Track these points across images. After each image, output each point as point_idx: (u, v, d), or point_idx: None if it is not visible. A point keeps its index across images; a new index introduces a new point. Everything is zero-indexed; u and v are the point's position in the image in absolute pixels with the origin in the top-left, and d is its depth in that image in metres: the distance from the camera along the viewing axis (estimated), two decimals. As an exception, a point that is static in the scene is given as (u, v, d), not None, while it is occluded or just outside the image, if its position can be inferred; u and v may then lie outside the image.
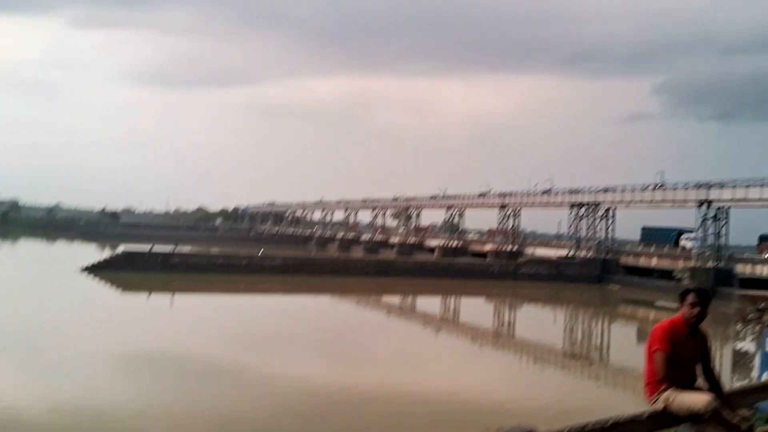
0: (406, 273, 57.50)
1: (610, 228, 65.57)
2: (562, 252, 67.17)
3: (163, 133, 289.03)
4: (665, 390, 4.62)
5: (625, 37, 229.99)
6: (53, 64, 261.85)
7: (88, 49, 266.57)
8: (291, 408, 16.35)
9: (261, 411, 16.03)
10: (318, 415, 15.97)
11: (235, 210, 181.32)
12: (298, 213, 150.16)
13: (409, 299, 49.71)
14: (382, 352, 27.02)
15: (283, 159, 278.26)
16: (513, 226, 77.09)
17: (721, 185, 53.94)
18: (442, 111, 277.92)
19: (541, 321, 42.61)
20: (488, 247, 77.36)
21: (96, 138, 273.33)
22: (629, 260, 61.76)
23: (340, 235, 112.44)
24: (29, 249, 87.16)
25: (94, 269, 47.00)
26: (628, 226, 74.51)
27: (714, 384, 4.78)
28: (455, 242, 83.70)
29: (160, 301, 39.28)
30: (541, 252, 71.27)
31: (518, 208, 76.87)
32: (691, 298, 4.79)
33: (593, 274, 60.66)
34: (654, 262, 59.02)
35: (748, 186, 51.67)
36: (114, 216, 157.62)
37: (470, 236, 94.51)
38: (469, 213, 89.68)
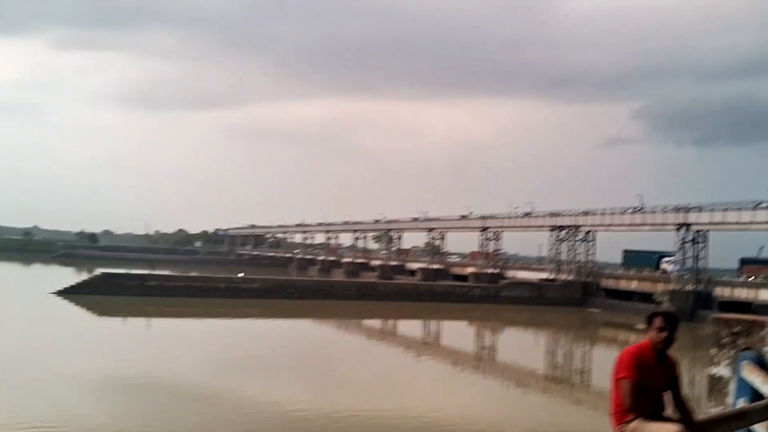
0: (387, 296, 57.16)
1: (591, 251, 65.92)
2: (543, 275, 67.29)
3: (144, 155, 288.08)
4: (632, 420, 4.39)
5: (604, 63, 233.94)
6: (34, 85, 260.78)
7: (69, 70, 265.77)
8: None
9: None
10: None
11: (216, 232, 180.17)
12: (279, 235, 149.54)
13: (390, 323, 49.33)
14: (362, 376, 26.64)
15: (265, 181, 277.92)
16: (494, 248, 77.29)
17: (699, 209, 54.50)
18: (423, 134, 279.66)
19: (522, 344, 42.46)
20: (470, 269, 77.37)
21: (76, 160, 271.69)
22: (609, 283, 61.98)
23: (321, 257, 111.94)
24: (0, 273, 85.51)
25: (67, 293, 46.11)
26: (608, 249, 74.86)
27: (684, 413, 4.48)
28: (437, 265, 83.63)
29: (136, 325, 38.58)
30: (523, 275, 71.35)
31: (499, 231, 77.11)
32: (658, 321, 4.54)
33: (574, 297, 60.78)
34: (634, 285, 59.27)
35: (725, 209, 52.23)
36: (92, 238, 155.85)
37: (452, 259, 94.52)
38: (450, 235, 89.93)
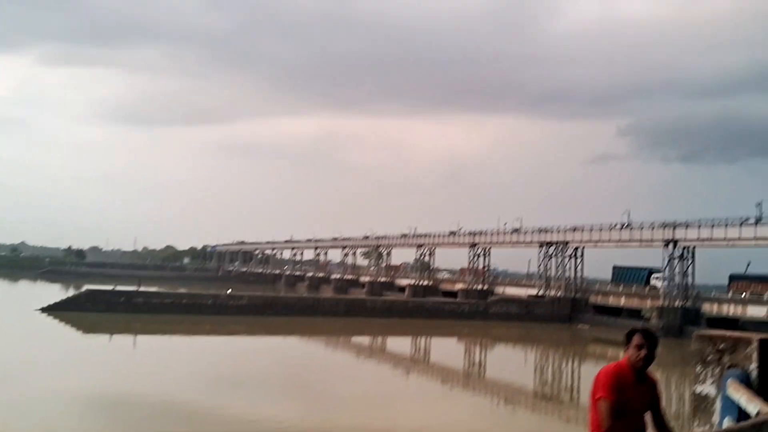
0: (376, 313, 56.91)
1: (579, 267, 66.07)
2: (533, 291, 67.30)
3: (132, 171, 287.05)
4: None
5: (591, 80, 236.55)
6: (22, 101, 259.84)
7: (58, 86, 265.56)
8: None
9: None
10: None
11: (204, 249, 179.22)
12: (268, 252, 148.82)
13: (379, 340, 49.06)
14: (351, 394, 26.40)
15: (254, 197, 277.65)
16: (484, 264, 77.29)
17: (687, 225, 54.82)
18: (412, 150, 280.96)
19: (511, 361, 42.32)
20: (459, 285, 77.23)
21: (64, 176, 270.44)
22: (598, 299, 62.07)
23: (309, 274, 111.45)
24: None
25: (53, 309, 45.59)
26: (596, 265, 75.09)
27: None
28: (426, 281, 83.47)
29: (122, 342, 38.13)
30: (512, 291, 71.35)
31: (488, 247, 77.15)
32: (636, 339, 4.35)
33: (563, 313, 60.77)
34: (623, 301, 59.39)
35: (713, 226, 52.56)
36: (80, 254, 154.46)
37: (441, 275, 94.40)
38: (439, 252, 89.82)
